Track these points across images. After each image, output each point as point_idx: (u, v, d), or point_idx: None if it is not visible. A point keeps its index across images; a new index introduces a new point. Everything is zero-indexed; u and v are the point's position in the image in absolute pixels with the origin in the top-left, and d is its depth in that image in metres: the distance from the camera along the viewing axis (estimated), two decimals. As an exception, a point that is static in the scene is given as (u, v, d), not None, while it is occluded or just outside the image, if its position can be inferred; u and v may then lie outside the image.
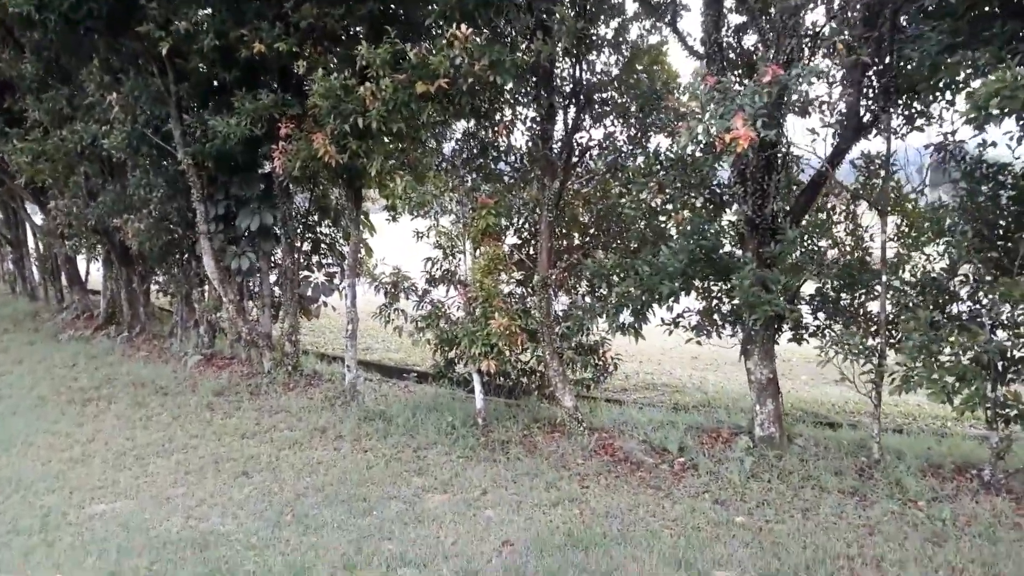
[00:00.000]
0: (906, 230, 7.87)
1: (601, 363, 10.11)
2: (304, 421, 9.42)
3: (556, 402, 9.11)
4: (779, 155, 7.66)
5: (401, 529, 6.36)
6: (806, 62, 7.23)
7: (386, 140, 8.88)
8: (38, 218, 19.94)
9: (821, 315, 8.53)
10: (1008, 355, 6.75)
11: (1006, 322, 6.96)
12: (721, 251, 7.92)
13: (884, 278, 7.31)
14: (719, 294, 8.76)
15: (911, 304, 7.25)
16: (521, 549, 5.94)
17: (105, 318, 16.82)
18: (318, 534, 6.31)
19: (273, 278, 12.48)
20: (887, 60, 7.25)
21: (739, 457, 7.60)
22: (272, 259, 12.32)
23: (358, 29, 9.68)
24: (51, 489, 7.54)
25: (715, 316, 8.67)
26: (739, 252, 8.13)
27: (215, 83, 10.80)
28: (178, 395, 10.82)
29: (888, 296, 7.46)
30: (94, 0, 9.01)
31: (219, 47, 9.30)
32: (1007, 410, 6.73)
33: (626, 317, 8.40)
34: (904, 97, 7.41)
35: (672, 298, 7.72)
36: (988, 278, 6.89)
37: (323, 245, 13.19)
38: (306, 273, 12.83)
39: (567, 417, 8.76)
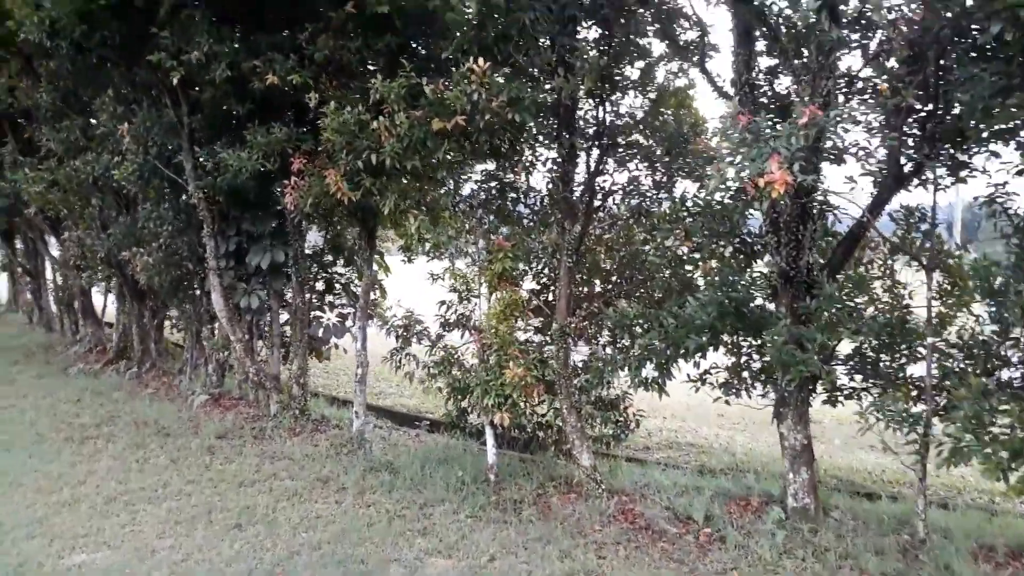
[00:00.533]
0: (948, 288, 7.36)
1: (622, 419, 9.60)
2: (307, 470, 8.95)
3: (573, 459, 8.57)
4: (815, 204, 7.20)
5: (398, 599, 5.84)
6: (844, 104, 6.83)
7: (401, 178, 8.57)
8: (55, 250, 19.87)
9: (858, 377, 7.99)
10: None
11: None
12: (752, 304, 7.42)
13: (930, 339, 6.76)
14: (749, 350, 8.24)
15: (957, 368, 6.69)
16: (528, 629, 5.39)
17: (116, 352, 16.53)
18: (308, 601, 5.81)
19: (284, 318, 12.14)
20: (929, 105, 6.82)
21: (770, 530, 7.01)
22: (283, 298, 11.98)
23: (374, 63, 9.42)
24: (31, 535, 7.10)
25: (744, 374, 8.15)
26: (771, 306, 7.64)
27: (228, 116, 10.58)
28: (179, 436, 10.41)
29: (933, 359, 6.91)
30: (106, 28, 8.86)
31: (232, 78, 9.09)
32: (1068, 489, 6.11)
33: (649, 371, 7.89)
34: (949, 145, 6.95)
35: (699, 353, 7.22)
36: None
37: (336, 285, 12.83)
38: (318, 313, 12.47)
39: (585, 477, 8.22)
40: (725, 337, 7.75)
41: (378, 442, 10.12)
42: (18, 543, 6.94)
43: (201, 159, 10.35)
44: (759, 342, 7.91)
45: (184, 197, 11.25)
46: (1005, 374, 6.82)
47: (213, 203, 10.93)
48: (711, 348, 7.45)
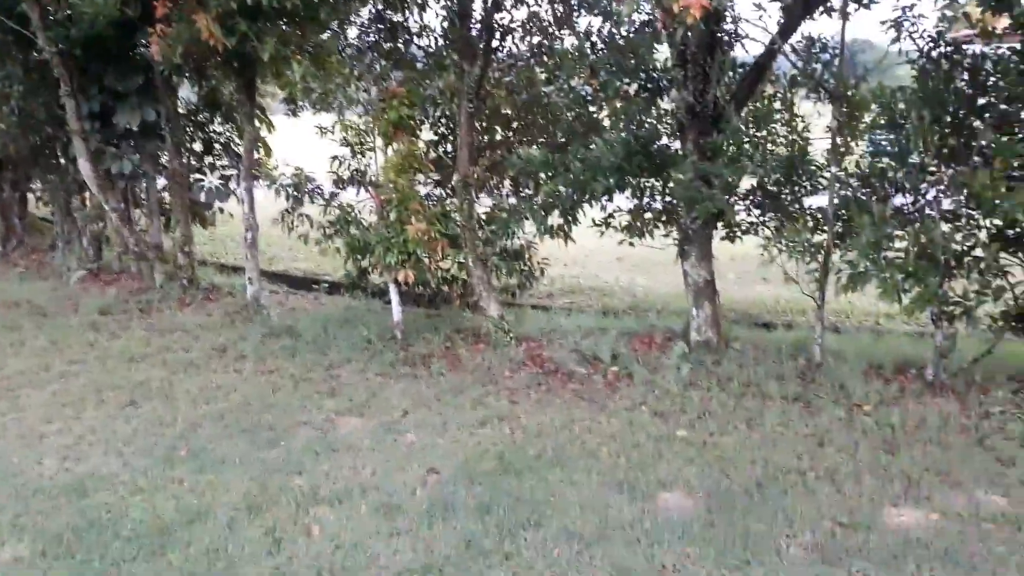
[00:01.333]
0: (846, 120, 7.36)
1: (527, 268, 9.48)
2: (201, 340, 8.50)
3: (480, 311, 8.47)
4: (724, 32, 6.92)
5: (312, 461, 5.67)
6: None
7: (280, 20, 7.74)
8: None
9: (756, 212, 8.06)
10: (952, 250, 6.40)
11: (948, 215, 6.61)
12: (658, 143, 7.24)
13: (834, 170, 6.79)
14: (652, 191, 8.15)
15: (858, 198, 6.78)
16: (448, 477, 5.35)
17: (-26, 231, 15.09)
18: (216, 471, 5.56)
19: (161, 183, 11.22)
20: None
21: (675, 364, 7.16)
22: (158, 162, 11.02)
23: None
24: (-101, 431, 6.50)
25: (647, 215, 8.09)
26: (675, 145, 7.48)
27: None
28: (58, 316, 9.66)
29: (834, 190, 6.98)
30: None
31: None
32: (952, 307, 6.44)
33: (555, 219, 7.73)
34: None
35: (606, 196, 7.07)
36: (940, 169, 6.45)
37: (215, 145, 11.87)
38: (198, 176, 11.55)
39: (492, 327, 8.13)
40: (631, 179, 7.60)
41: (275, 308, 9.69)
42: None
43: (49, 7, 9.03)
44: (663, 182, 7.81)
45: (34, 53, 9.92)
46: (897, 200, 6.99)
47: (69, 58, 9.68)
48: (617, 190, 7.29)
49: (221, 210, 11.82)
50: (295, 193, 9.36)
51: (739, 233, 7.99)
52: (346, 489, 5.24)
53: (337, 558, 4.46)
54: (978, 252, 6.37)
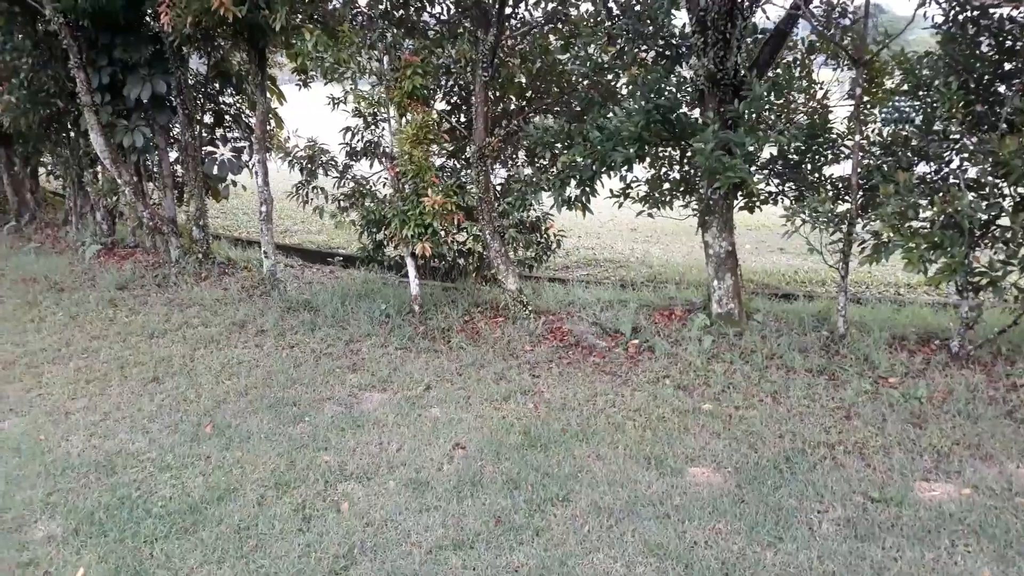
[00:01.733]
0: (867, 85, 7.22)
1: (544, 241, 9.41)
2: (220, 315, 8.50)
3: (498, 284, 8.41)
4: (745, -2, 6.78)
5: (338, 437, 5.69)
6: None
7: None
8: None
9: (775, 181, 7.97)
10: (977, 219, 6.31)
11: (972, 184, 6.51)
12: (678, 112, 7.12)
13: (857, 138, 6.68)
14: (668, 161, 8.05)
15: (882, 166, 6.68)
16: (474, 453, 5.37)
17: (-13, 207, 15.09)
18: (243, 447, 5.59)
19: (173, 156, 11.15)
20: None
21: (697, 336, 7.13)
22: (170, 134, 10.95)
23: None
24: (-74, 409, 6.55)
25: (665, 186, 8.00)
26: (694, 113, 7.36)
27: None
28: (75, 291, 9.68)
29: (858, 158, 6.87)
30: None
31: None
32: (977, 278, 6.36)
33: (572, 190, 7.64)
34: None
35: (626, 166, 6.97)
36: (965, 136, 6.33)
37: (227, 117, 11.77)
38: (210, 149, 11.49)
39: (511, 300, 8.10)
40: (649, 148, 7.50)
41: (292, 281, 9.69)
42: (-90, 417, 6.39)
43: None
44: (682, 151, 7.72)
45: (41, 25, 9.80)
46: (920, 169, 6.89)
47: (77, 28, 9.57)
48: (637, 160, 7.20)
49: (234, 183, 11.76)
50: (309, 165, 9.29)
51: (759, 203, 7.91)
52: (373, 465, 5.26)
53: (368, 534, 4.49)
54: (1003, 221, 6.29)
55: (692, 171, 7.78)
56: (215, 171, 11.34)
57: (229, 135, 11.86)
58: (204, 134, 11.30)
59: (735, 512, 4.49)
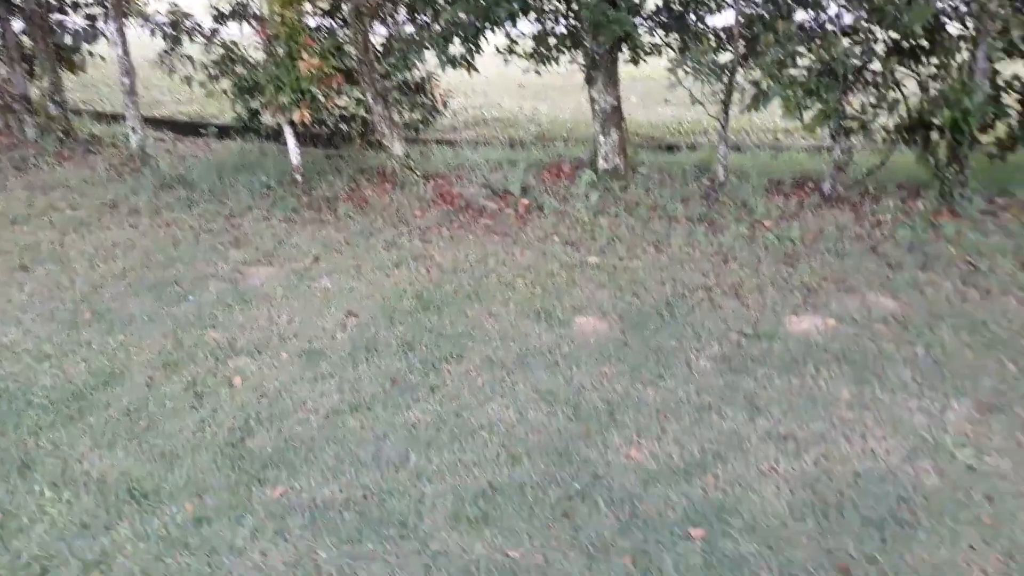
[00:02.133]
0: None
1: (430, 102, 9.14)
2: (89, 196, 7.98)
3: (384, 149, 8.21)
4: None
5: (225, 313, 5.56)
6: None
7: None
8: None
9: (660, 33, 7.92)
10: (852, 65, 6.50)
11: (848, 30, 6.65)
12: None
13: (738, -16, 6.64)
14: (554, 15, 7.84)
15: (764, 16, 6.71)
16: (367, 320, 5.37)
17: None
18: (126, 331, 5.39)
19: (18, 26, 10.05)
20: None
21: (584, 192, 7.22)
22: (11, 2, 9.82)
23: None
24: None
25: (551, 40, 7.82)
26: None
27: None
28: (-80, 179, 8.85)
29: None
30: None
31: None
32: (850, 122, 6.62)
33: (457, 47, 7.38)
34: None
35: (510, 20, 6.75)
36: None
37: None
38: (59, 16, 10.40)
39: (398, 165, 7.93)
40: (534, 2, 7.27)
41: (164, 156, 9.13)
42: None
43: None
44: (567, 5, 7.52)
45: None
46: (799, 16, 6.98)
47: None
48: (521, 15, 6.98)
49: (91, 53, 10.75)
50: (173, 32, 8.60)
51: (643, 56, 7.87)
52: (264, 339, 5.20)
53: (263, 405, 4.48)
54: (875, 66, 6.50)
55: (578, 25, 7.61)
56: (68, 41, 10.32)
57: (80, 0, 10.74)
58: (51, 1, 10.20)
59: (619, 356, 4.71)
